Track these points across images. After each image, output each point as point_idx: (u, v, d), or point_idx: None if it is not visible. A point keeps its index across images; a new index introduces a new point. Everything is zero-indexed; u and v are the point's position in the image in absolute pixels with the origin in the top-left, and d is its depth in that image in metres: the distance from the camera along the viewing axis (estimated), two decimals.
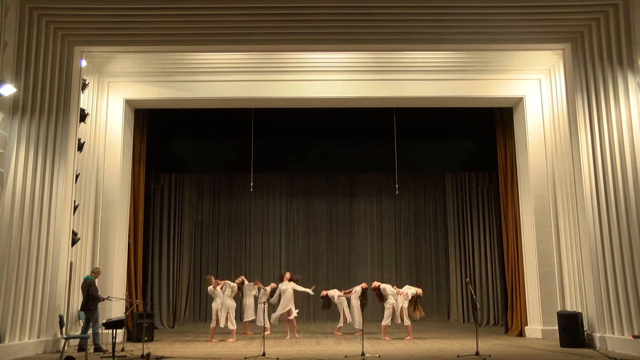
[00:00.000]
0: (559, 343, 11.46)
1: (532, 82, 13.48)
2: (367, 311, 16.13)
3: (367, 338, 12.98)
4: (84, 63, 11.91)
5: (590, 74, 11.13)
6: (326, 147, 16.00)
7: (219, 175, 19.46)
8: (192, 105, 13.84)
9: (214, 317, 12.61)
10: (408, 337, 12.80)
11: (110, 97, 13.42)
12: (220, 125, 15.22)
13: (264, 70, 13.09)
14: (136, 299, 13.43)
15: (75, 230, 11.68)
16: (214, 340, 12.50)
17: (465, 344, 11.73)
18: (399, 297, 13.01)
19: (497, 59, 12.88)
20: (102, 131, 13.25)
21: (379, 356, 9.75)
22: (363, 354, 9.74)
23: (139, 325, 12.36)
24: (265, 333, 13.11)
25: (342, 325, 14.00)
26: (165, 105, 13.86)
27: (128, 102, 13.61)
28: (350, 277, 18.76)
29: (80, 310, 11.26)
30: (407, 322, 12.90)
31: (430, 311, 18.92)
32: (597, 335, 10.87)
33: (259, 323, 13.94)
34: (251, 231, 19.53)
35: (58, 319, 10.55)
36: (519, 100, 13.69)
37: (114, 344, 10.13)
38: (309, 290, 13.83)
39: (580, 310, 11.73)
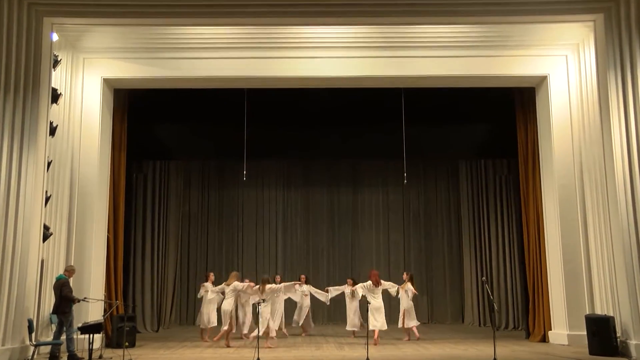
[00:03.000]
0: (587, 350, 11.38)
1: (558, 59, 13.35)
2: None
3: (376, 343, 12.97)
4: (55, 37, 11.74)
5: (626, 49, 11.00)
6: (327, 132, 16.05)
7: (208, 162, 19.50)
8: (179, 85, 13.75)
9: (227, 319, 12.63)
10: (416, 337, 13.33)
11: (86, 76, 13.29)
12: (210, 107, 15.22)
13: (258, 46, 13.07)
14: (116, 300, 13.33)
15: (47, 224, 11.53)
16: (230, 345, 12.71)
17: (482, 350, 11.77)
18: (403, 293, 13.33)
19: (518, 33, 12.80)
20: (77, 114, 13.10)
21: None
22: None
23: (119, 329, 12.41)
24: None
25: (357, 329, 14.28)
26: (148, 85, 13.74)
27: (106, 82, 13.50)
28: (354, 275, 18.25)
29: (53, 313, 11.16)
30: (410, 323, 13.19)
31: (442, 313, 19.11)
32: (632, 342, 10.75)
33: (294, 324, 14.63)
34: (244, 225, 19.53)
35: (26, 324, 10.45)
36: (543, 79, 13.59)
37: (90, 351, 10.15)
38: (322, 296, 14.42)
39: (612, 314, 11.58)
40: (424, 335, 14.64)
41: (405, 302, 13.73)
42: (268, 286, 12.85)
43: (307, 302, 14.70)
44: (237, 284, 12.96)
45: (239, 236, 19.48)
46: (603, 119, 11.47)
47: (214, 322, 13.83)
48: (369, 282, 13.49)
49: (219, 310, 13.64)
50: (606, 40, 11.23)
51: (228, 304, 12.74)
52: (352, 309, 14.39)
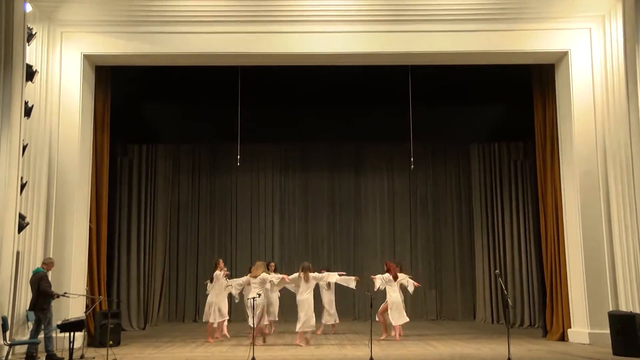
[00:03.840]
0: (611, 350, 11.24)
1: (580, 33, 13.22)
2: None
3: (379, 341, 12.98)
4: (29, 8, 11.57)
5: None
6: (328, 113, 16.01)
7: (199, 146, 19.54)
8: (166, 62, 13.72)
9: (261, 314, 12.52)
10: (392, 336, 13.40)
11: (65, 51, 13.12)
12: (201, 86, 15.18)
13: (253, 20, 13.04)
14: (99, 295, 13.31)
15: (22, 213, 11.40)
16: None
17: (495, 349, 11.84)
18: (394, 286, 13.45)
19: (536, 4, 12.78)
20: (55, 93, 12.95)
21: None
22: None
23: (103, 327, 12.41)
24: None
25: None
26: (133, 62, 13.67)
27: (87, 58, 13.36)
28: (357, 266, 18.88)
29: (30, 310, 11.11)
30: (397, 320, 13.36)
31: (452, 309, 19.16)
32: None
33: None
34: (238, 213, 19.57)
35: (0, 321, 10.30)
36: (563, 55, 13.49)
37: (71, 351, 10.15)
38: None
39: (638, 311, 11.48)
40: (433, 332, 14.71)
41: (395, 295, 13.52)
42: (312, 275, 12.82)
43: (275, 296, 14.42)
44: (266, 275, 12.72)
45: (233, 225, 19.48)
46: (630, 99, 11.40)
47: (225, 314, 13.57)
48: (387, 275, 13.53)
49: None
50: (636, 11, 11.08)
51: (261, 299, 12.37)
52: (328, 301, 14.50)
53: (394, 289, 13.48)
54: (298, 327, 12.46)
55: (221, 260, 13.86)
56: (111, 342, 11.40)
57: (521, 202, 17.95)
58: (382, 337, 13.38)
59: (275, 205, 19.70)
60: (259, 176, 19.78)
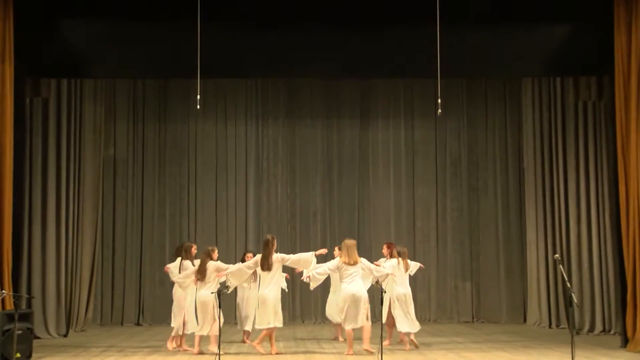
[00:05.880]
0: None
1: None
2: None
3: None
4: None
5: None
6: (323, 36, 15.65)
7: (143, 82, 19.39)
8: None
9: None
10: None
11: None
12: None
13: None
14: (2, 289, 13.13)
15: None
16: None
17: None
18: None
19: None
20: None
21: None
22: None
23: (6, 333, 12.18)
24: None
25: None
26: None
27: None
28: (362, 250, 18.18)
29: None
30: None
31: (494, 308, 19.32)
32: None
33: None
34: (198, 176, 19.60)
35: None
36: None
37: None
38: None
39: None
40: (466, 339, 14.94)
41: (405, 289, 13.86)
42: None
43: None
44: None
45: (190, 193, 19.49)
46: None
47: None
48: (394, 261, 13.83)
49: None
50: None
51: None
52: None
53: (402, 280, 13.79)
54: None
55: (216, 250, 13.85)
56: (18, 355, 11.32)
57: (592, 162, 17.67)
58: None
59: (250, 165, 19.70)
60: (227, 125, 19.75)
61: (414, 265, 14.11)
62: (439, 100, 14.20)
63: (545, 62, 16.55)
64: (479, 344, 14.55)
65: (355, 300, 12.55)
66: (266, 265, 12.86)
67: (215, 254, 13.43)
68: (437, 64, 13.83)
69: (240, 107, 19.77)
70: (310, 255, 13.15)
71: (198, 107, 14.22)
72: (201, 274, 13.08)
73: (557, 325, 17.72)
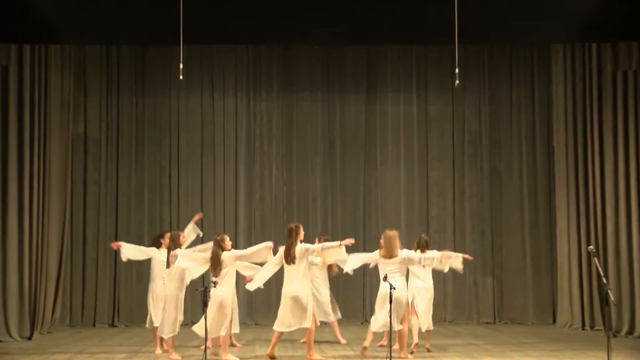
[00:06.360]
0: None
1: None
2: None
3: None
4: None
5: None
6: None
7: (118, 48, 19.25)
8: None
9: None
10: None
11: None
12: None
13: None
14: None
15: None
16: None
17: None
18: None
19: None
20: None
21: None
22: None
23: None
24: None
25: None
26: None
27: None
28: (368, 240, 18.70)
29: None
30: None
31: (519, 307, 19.20)
32: None
33: None
34: (181, 156, 19.46)
35: None
36: None
37: None
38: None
39: None
40: (487, 342, 14.99)
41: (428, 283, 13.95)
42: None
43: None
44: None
45: (172, 175, 19.35)
46: None
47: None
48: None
49: None
50: None
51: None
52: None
53: (426, 273, 13.82)
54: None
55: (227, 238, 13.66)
56: None
57: (633, 140, 17.41)
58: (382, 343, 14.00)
59: (241, 144, 19.57)
60: (215, 99, 19.57)
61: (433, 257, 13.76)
62: (457, 70, 14.29)
63: (578, 25, 16.51)
64: (502, 346, 14.59)
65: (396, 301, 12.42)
66: (289, 257, 12.79)
67: (227, 243, 13.18)
68: (455, 28, 14.00)
69: (229, 78, 19.60)
70: (337, 245, 13.00)
71: (181, 77, 14.19)
72: (215, 269, 12.82)
73: (592, 327, 17.64)
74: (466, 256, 14.06)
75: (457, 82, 14.62)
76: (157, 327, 13.60)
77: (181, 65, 14.06)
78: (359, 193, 19.57)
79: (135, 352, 13.81)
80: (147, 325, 14.22)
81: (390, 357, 11.41)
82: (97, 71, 19.24)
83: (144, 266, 15.56)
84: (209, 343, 12.54)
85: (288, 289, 12.71)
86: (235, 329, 14.23)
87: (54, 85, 17.87)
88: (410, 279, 13.74)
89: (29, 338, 16.23)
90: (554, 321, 18.67)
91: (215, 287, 12.71)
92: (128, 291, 18.53)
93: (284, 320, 12.64)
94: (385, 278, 12.56)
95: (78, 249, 18.79)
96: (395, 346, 13.12)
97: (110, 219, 19.00)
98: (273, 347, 12.77)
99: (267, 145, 19.59)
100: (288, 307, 12.60)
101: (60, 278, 17.85)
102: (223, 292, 12.76)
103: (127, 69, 19.38)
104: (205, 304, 12.14)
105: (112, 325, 18.21)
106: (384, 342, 14.05)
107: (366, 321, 18.11)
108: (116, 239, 18.16)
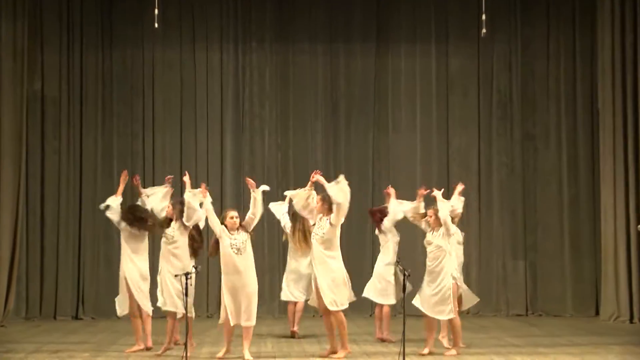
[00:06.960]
0: None
1: None
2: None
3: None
4: None
5: None
6: None
7: None
8: None
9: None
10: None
11: None
12: None
13: None
14: None
15: None
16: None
17: None
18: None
19: None
20: None
21: None
22: None
23: None
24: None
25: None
26: None
27: None
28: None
29: None
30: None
31: (556, 297, 19.20)
32: None
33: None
34: (157, 120, 19.35)
35: None
36: None
37: None
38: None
39: None
40: (519, 337, 14.79)
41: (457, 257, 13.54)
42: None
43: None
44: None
45: (147, 144, 19.26)
46: None
47: None
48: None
49: None
50: None
51: None
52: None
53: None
54: None
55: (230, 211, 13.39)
56: None
57: None
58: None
59: (227, 105, 19.46)
60: (196, 51, 19.48)
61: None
62: (484, 17, 14.72)
63: None
64: (536, 340, 14.62)
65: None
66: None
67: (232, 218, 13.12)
68: None
69: (214, 27, 19.47)
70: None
71: (156, 25, 14.52)
72: (215, 248, 12.78)
73: None
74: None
75: (484, 30, 14.79)
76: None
77: (156, 11, 14.25)
78: (367, 162, 19.52)
79: (102, 350, 13.36)
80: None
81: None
82: (56, 19, 18.97)
83: (112, 248, 15.50)
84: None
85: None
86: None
87: (4, 36, 17.78)
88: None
89: None
90: (597, 313, 18.60)
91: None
92: (94, 277, 18.42)
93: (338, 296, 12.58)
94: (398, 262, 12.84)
95: (35, 228, 18.68)
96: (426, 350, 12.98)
97: (73, 192, 18.80)
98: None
99: (258, 106, 19.44)
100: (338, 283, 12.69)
101: (14, 263, 17.77)
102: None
103: (92, 17, 19.02)
104: (186, 292, 11.97)
105: (76, 317, 18.11)
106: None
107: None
108: (80, 218, 18.82)
